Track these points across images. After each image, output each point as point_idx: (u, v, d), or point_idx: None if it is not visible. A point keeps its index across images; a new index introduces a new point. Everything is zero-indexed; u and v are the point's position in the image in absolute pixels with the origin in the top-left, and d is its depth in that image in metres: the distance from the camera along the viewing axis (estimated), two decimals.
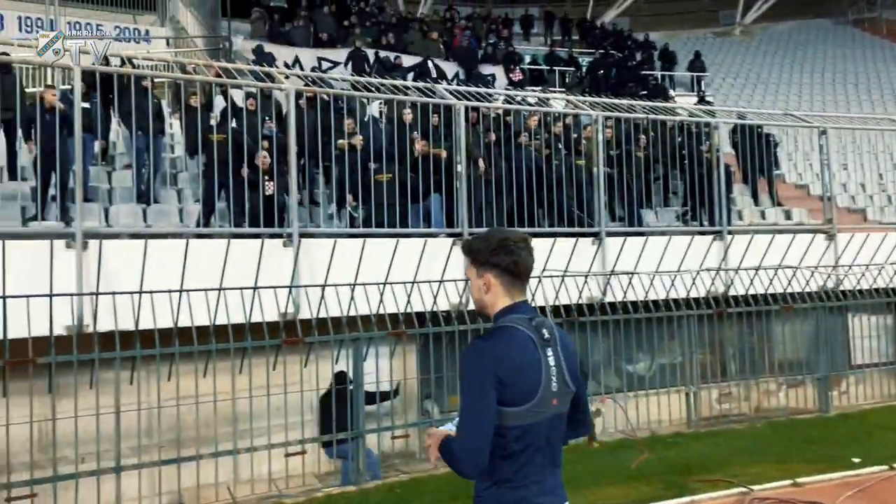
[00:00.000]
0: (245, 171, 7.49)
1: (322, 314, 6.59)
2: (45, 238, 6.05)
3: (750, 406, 9.11)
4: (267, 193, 7.67)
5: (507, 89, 14.18)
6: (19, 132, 7.84)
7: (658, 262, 8.46)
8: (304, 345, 6.58)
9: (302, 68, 15.50)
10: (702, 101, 17.94)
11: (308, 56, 16.30)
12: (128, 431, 5.96)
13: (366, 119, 9.50)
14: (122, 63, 8.61)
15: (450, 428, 2.35)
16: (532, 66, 19.95)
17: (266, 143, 7.87)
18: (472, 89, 9.10)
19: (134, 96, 7.65)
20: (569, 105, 10.13)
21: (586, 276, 8.12)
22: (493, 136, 9.30)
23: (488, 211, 8.59)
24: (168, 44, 15.88)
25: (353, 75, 11.42)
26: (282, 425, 6.49)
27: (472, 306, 7.42)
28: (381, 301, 6.79)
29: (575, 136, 9.92)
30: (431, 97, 8.42)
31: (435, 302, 7.10)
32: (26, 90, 8.79)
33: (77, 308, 5.94)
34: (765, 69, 24.10)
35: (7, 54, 7.67)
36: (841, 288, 9.58)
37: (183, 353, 6.10)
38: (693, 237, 9.15)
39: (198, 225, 7.89)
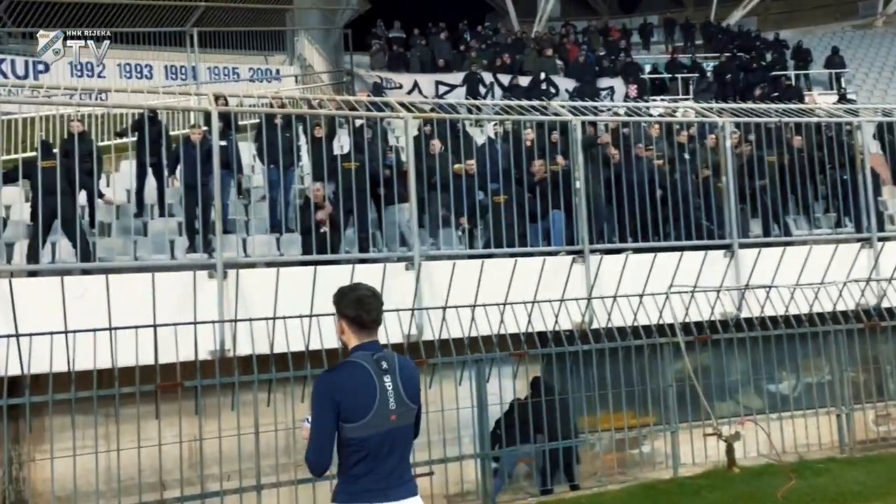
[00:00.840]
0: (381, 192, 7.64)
1: (444, 335, 6.66)
2: (190, 269, 6.55)
3: None
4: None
5: (626, 100, 13.87)
6: (166, 173, 8.53)
7: (798, 273, 7.89)
8: (427, 366, 6.67)
9: (421, 92, 15.93)
10: (842, 98, 16.70)
11: (426, 81, 16.72)
12: (267, 451, 6.27)
13: (482, 141, 9.59)
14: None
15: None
16: (653, 76, 19.40)
17: (388, 171, 8.10)
18: (589, 103, 8.96)
19: (265, 132, 8.16)
20: (689, 112, 9.73)
21: (718, 291, 7.72)
22: (612, 150, 9.09)
23: (610, 226, 8.39)
24: (296, 80, 16.79)
25: (468, 98, 11.57)
26: (415, 444, 6.59)
27: (595, 325, 7.33)
28: (501, 321, 6.77)
29: (700, 144, 9.51)
30: (546, 114, 8.37)
31: (556, 321, 6.99)
32: (170, 132, 9.54)
33: (219, 334, 6.35)
34: None
35: (153, 102, 8.38)
36: None
37: (314, 375, 6.34)
38: (837, 246, 8.47)
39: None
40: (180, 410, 5.90)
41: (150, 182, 9.28)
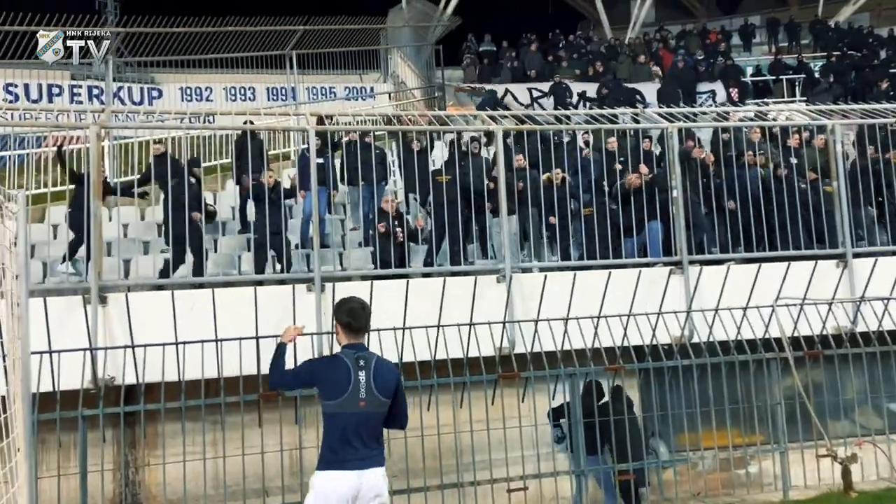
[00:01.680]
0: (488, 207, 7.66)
1: (536, 349, 6.59)
2: (289, 283, 6.80)
3: None
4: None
5: (726, 105, 13.35)
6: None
7: None
8: (520, 379, 6.62)
9: (516, 98, 15.91)
10: None
11: (518, 91, 16.70)
12: None
13: (574, 151, 9.47)
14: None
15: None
16: (756, 78, 18.59)
17: (491, 184, 8.10)
18: (686, 110, 8.68)
19: (360, 149, 8.38)
20: (792, 116, 9.25)
21: (830, 304, 7.27)
22: (711, 157, 8.77)
23: (710, 236, 8.07)
24: (390, 97, 17.18)
25: (557, 109, 11.46)
26: (503, 459, 6.55)
27: (695, 339, 7.06)
28: (595, 334, 6.63)
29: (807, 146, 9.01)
30: (640, 122, 8.18)
31: (654, 335, 6.78)
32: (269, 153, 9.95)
33: (317, 346, 6.54)
34: None
35: (253, 122, 8.78)
36: None
37: (408, 386, 6.41)
38: None
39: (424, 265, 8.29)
40: (281, 419, 6.11)
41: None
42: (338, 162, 9.63)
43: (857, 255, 7.75)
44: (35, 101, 13.64)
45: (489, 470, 6.48)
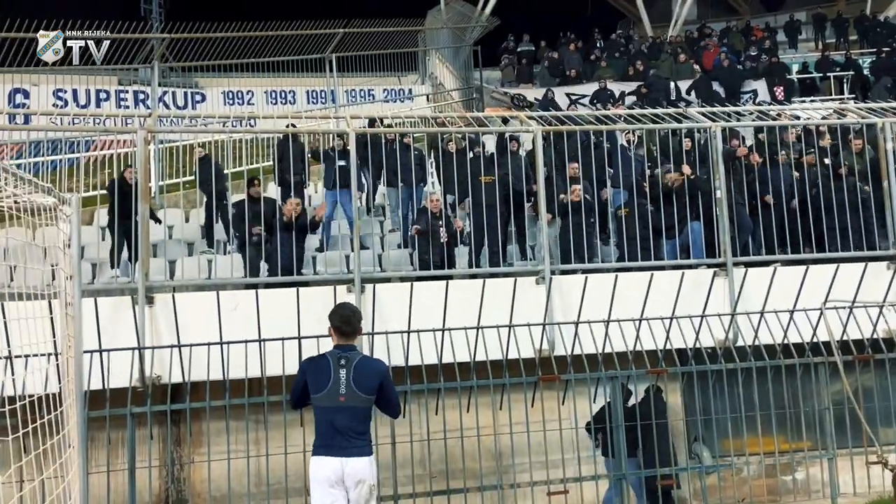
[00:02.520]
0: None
1: (577, 351, 6.54)
2: (329, 284, 6.87)
3: None
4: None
5: (770, 103, 13.08)
6: (305, 192, 9.00)
7: None
8: (560, 382, 6.57)
9: (554, 105, 15.83)
10: None
11: (558, 94, 16.61)
12: (403, 461, 6.41)
13: (615, 152, 9.37)
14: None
15: None
16: (802, 76, 18.17)
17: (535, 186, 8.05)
18: (729, 109, 8.53)
19: (399, 152, 8.43)
20: (831, 115, 9.01)
21: (881, 307, 7.05)
22: (756, 157, 8.60)
23: (755, 237, 7.91)
24: (428, 99, 17.23)
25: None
26: (543, 462, 6.52)
27: (740, 342, 6.92)
28: (637, 337, 6.55)
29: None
30: (682, 122, 8.06)
31: (697, 338, 6.67)
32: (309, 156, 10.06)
33: (357, 346, 6.58)
34: None
35: (295, 125, 8.90)
36: None
37: (448, 388, 6.43)
38: None
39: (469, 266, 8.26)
40: None
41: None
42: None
43: None
44: (83, 106, 14.01)
45: (529, 473, 6.45)
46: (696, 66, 17.64)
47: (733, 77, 16.95)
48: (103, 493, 5.83)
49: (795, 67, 18.76)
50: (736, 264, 7.39)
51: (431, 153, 9.94)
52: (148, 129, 7.01)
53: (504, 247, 7.91)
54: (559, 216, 8.07)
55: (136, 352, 6.02)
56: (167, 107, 15.03)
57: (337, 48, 15.26)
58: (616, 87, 16.59)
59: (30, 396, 3.49)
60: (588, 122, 8.08)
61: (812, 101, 15.33)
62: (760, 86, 16.84)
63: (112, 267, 7.97)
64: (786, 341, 6.82)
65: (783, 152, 8.48)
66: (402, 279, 7.54)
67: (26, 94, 13.51)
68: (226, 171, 9.61)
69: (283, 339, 6.00)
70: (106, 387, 5.71)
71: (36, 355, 3.69)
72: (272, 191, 10.42)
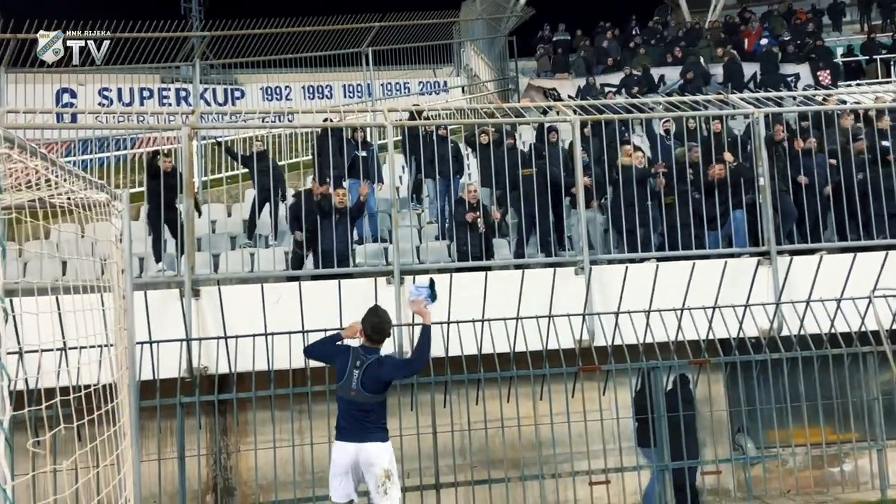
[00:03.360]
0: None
1: (617, 341, 6.51)
2: (370, 276, 6.94)
3: None
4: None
5: (813, 88, 12.76)
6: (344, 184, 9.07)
7: None
8: (600, 372, 6.55)
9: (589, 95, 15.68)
10: None
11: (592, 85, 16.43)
12: (444, 451, 6.48)
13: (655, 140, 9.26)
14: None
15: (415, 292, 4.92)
16: (847, 59, 17.66)
17: (588, 179, 7.99)
18: (772, 94, 8.36)
19: (437, 144, 8.45)
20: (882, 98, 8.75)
21: None
22: (800, 143, 8.40)
23: (800, 225, 7.76)
24: (463, 91, 17.20)
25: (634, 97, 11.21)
26: (584, 452, 6.52)
27: (785, 332, 6.80)
28: (679, 327, 6.49)
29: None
30: (725, 107, 7.93)
31: (741, 328, 6.58)
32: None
33: (398, 336, 6.66)
34: None
35: (331, 119, 8.99)
36: None
37: (488, 378, 6.46)
38: None
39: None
40: None
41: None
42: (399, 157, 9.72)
43: None
44: (127, 105, 14.34)
45: (570, 463, 6.45)
46: (735, 52, 17.24)
47: (771, 61, 16.56)
48: (154, 481, 6.01)
49: (840, 51, 18.24)
50: (780, 252, 7.26)
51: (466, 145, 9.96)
52: (191, 126, 7.16)
53: (544, 237, 7.87)
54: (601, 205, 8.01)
55: (185, 343, 6.17)
56: (208, 103, 15.27)
57: (373, 42, 15.32)
58: (654, 74, 16.32)
59: (85, 387, 3.62)
60: (626, 111, 8.01)
61: (858, 84, 14.89)
62: (803, 70, 16.41)
63: (157, 261, 8.16)
64: (833, 330, 6.69)
65: (813, 140, 8.23)
66: (441, 270, 7.58)
67: (73, 94, 13.87)
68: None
69: (325, 329, 6.08)
70: (156, 377, 5.87)
71: (93, 346, 3.81)
72: (309, 184, 10.54)
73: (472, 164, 10.10)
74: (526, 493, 6.49)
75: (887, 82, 14.47)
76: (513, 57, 18.35)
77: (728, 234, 7.86)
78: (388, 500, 4.61)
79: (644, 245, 7.49)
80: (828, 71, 16.01)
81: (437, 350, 6.41)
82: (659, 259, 7.20)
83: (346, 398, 4.65)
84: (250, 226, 9.09)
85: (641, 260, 7.33)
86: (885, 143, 8.16)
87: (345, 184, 8.84)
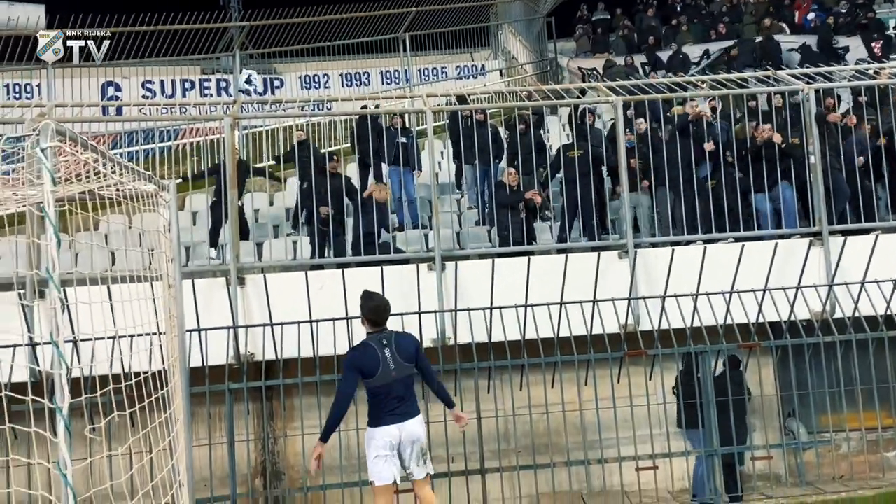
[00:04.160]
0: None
1: (664, 325, 6.40)
2: (412, 263, 6.95)
3: None
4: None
5: (868, 61, 12.30)
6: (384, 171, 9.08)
7: None
8: (647, 357, 6.46)
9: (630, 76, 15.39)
10: None
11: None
12: (488, 436, 6.47)
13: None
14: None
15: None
16: None
17: (634, 161, 7.85)
18: (823, 69, 8.07)
19: (476, 127, 8.39)
20: None
21: None
22: (853, 119, 8.12)
23: (853, 204, 7.51)
24: (501, 74, 17.05)
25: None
26: (630, 438, 6.45)
27: (838, 314, 6.61)
28: (727, 311, 6.35)
29: None
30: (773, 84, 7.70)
31: (792, 310, 6.41)
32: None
33: (440, 323, 6.66)
34: None
35: (367, 107, 8.98)
36: None
37: (531, 364, 6.43)
38: None
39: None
40: None
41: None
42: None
43: None
44: (169, 97, 14.57)
45: (616, 448, 6.39)
46: (785, 26, 16.72)
47: (822, 34, 16.01)
48: (205, 465, 6.13)
49: (892, 22, 17.54)
50: (832, 233, 7.04)
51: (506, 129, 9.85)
52: (233, 116, 7.23)
53: (587, 221, 7.77)
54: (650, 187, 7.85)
55: (232, 331, 6.27)
56: (247, 94, 15.43)
57: (409, 27, 15.27)
58: (694, 52, 15.95)
59: (136, 374, 3.70)
60: (670, 90, 7.82)
61: None
62: (854, 42, 15.85)
63: (212, 246, 8.31)
64: (889, 312, 6.48)
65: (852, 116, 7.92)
66: (482, 256, 7.54)
67: (118, 87, 14.16)
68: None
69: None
70: (205, 364, 5.98)
71: (144, 335, 3.88)
72: (352, 172, 10.59)
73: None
74: (571, 478, 6.45)
75: None
76: (551, 38, 18.11)
77: (777, 207, 7.63)
78: (426, 469, 4.81)
79: (690, 227, 7.34)
80: (881, 42, 15.43)
81: (480, 336, 6.41)
82: (706, 241, 7.05)
83: (386, 384, 4.66)
84: (294, 214, 9.18)
85: (687, 242, 7.19)
86: None
87: (385, 169, 8.86)
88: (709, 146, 7.67)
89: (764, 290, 6.41)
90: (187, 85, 15.10)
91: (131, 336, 4.51)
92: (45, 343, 5.46)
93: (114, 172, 3.08)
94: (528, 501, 6.58)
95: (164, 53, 13.88)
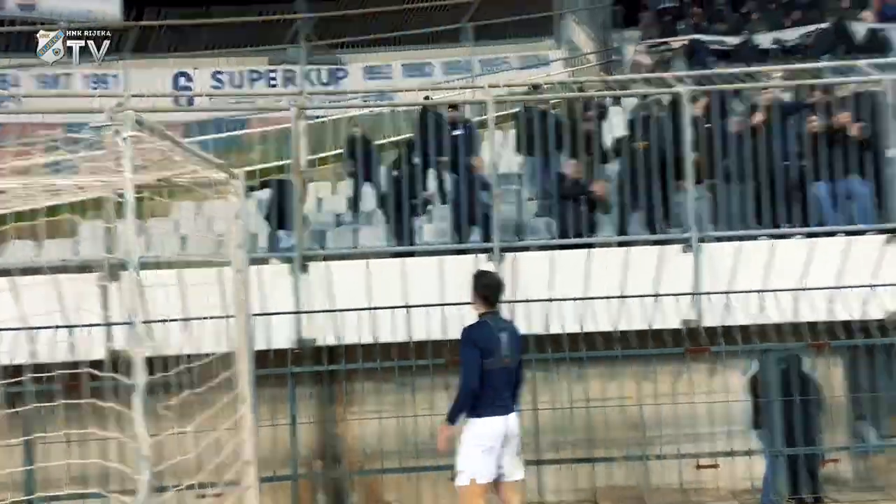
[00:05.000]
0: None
1: (728, 322, 6.26)
2: (470, 253, 6.97)
3: None
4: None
5: None
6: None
7: None
8: (709, 354, 6.33)
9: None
10: None
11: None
12: (545, 428, 6.47)
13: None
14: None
15: None
16: None
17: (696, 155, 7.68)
18: None
19: (537, 120, 8.33)
20: None
21: None
22: None
23: None
24: (564, 64, 16.84)
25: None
26: (690, 435, 6.35)
27: None
28: (795, 308, 6.16)
29: None
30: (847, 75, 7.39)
31: (864, 310, 6.18)
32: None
33: (510, 312, 6.65)
34: None
35: (429, 98, 9.01)
36: None
37: (591, 357, 6.38)
38: None
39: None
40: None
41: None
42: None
43: None
44: (238, 87, 14.96)
45: (676, 445, 6.30)
46: (866, 13, 15.95)
47: None
48: (268, 446, 6.32)
49: None
50: None
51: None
52: (299, 107, 7.38)
53: (651, 214, 7.61)
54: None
55: (295, 316, 6.43)
56: (312, 84, 15.71)
57: (472, 17, 15.24)
58: (767, 39, 15.36)
59: (205, 356, 3.84)
60: (740, 80, 7.60)
61: None
62: None
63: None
64: None
65: None
66: (542, 247, 7.50)
67: (189, 77, 14.62)
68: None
69: (427, 305, 6.18)
70: (270, 347, 6.16)
71: (218, 317, 4.03)
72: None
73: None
74: (629, 473, 6.40)
75: None
76: (617, 27, 17.77)
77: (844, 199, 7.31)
78: (522, 468, 4.55)
79: (758, 222, 7.12)
80: None
81: (538, 328, 6.40)
82: (772, 237, 6.84)
83: (496, 369, 4.35)
84: (355, 203, 9.32)
85: (754, 237, 6.98)
86: None
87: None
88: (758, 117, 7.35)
89: (835, 288, 6.19)
90: (255, 76, 15.48)
91: (201, 319, 4.70)
92: (122, 323, 5.72)
93: (187, 160, 3.21)
94: (585, 495, 6.56)
95: (234, 45, 14.27)
